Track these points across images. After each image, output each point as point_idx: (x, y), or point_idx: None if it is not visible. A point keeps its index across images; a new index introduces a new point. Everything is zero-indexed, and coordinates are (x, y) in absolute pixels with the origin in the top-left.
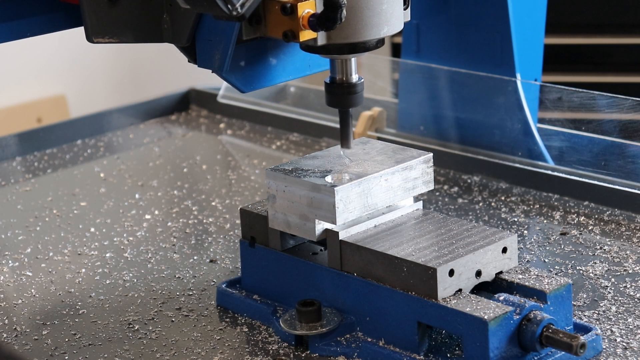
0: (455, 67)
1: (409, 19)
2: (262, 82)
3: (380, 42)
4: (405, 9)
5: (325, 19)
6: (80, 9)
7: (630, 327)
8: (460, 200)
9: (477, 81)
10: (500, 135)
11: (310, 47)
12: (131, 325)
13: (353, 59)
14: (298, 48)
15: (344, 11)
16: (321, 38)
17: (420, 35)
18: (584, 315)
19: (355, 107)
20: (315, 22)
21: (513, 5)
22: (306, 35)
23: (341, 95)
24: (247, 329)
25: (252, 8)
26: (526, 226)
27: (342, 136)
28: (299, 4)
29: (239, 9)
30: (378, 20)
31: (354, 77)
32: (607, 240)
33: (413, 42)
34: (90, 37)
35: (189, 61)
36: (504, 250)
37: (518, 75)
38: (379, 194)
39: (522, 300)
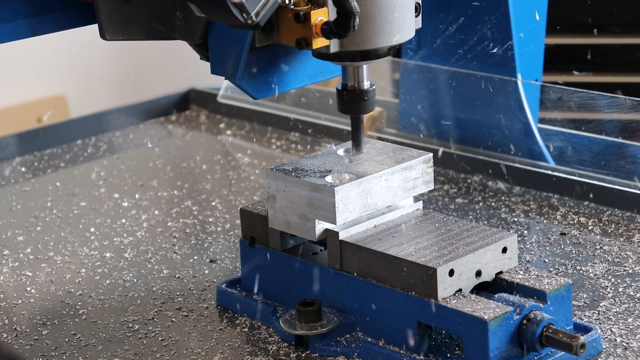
0: (456, 67)
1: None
2: (274, 89)
3: (392, 50)
4: (416, 17)
5: (338, 27)
6: (94, 7)
7: (630, 327)
8: (460, 200)
9: (477, 81)
10: (500, 135)
11: (322, 55)
12: (131, 326)
13: (365, 66)
14: (310, 55)
15: (357, 19)
16: (334, 45)
17: (420, 35)
18: (584, 315)
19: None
20: (328, 30)
21: (514, 5)
22: (319, 42)
23: (353, 101)
24: (247, 329)
25: (267, 16)
26: (526, 226)
27: (354, 142)
28: (312, 12)
29: (254, 18)
30: (390, 28)
31: (366, 84)
32: (607, 240)
33: (413, 42)
34: (104, 35)
35: (201, 58)
36: (504, 250)
37: (519, 76)
38: (379, 194)
39: (522, 300)
